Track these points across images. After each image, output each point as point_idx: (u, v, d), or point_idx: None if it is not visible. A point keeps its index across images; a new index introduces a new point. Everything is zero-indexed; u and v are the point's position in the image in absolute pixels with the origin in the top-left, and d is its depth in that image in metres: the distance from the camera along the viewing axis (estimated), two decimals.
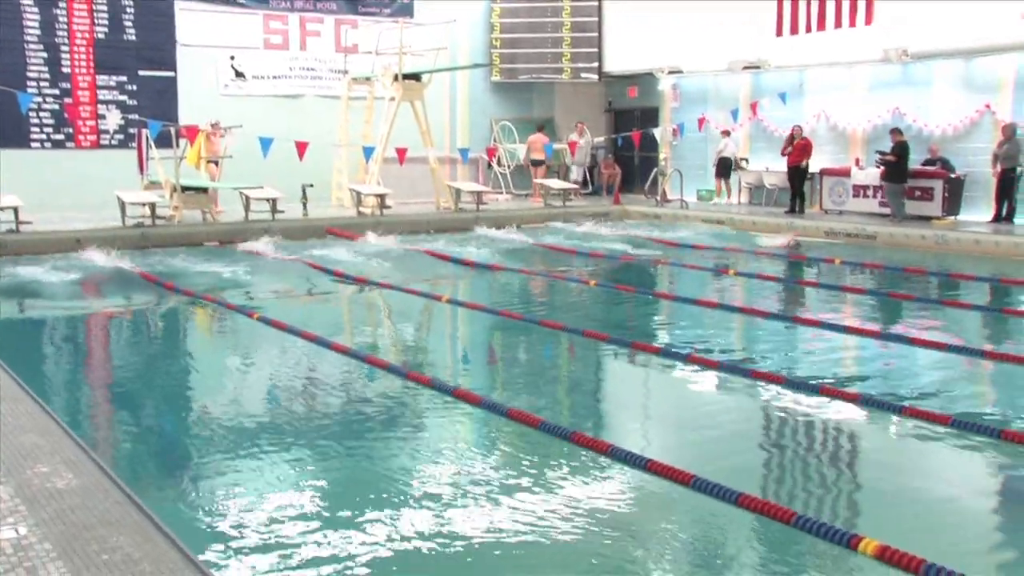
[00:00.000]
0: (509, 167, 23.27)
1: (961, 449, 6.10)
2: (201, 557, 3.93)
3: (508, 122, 23.68)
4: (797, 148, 19.35)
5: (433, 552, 4.48)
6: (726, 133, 21.30)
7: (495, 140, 23.41)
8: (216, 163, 18.25)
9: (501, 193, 22.79)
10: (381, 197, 18.61)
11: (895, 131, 17.92)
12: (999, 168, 17.00)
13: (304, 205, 18.10)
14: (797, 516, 4.75)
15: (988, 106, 17.80)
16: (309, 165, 17.55)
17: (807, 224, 18.13)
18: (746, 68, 21.29)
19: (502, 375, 8.28)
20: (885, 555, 4.27)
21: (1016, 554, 4.84)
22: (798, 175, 19.50)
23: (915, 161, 18.41)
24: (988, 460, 6.01)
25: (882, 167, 17.99)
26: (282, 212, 17.36)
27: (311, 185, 18.25)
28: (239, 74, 20.51)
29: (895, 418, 6.67)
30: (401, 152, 18.29)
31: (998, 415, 6.83)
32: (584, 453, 5.83)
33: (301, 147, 16.68)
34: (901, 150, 17.65)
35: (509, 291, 12.08)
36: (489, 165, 23.16)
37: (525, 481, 5.40)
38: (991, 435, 6.16)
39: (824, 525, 4.68)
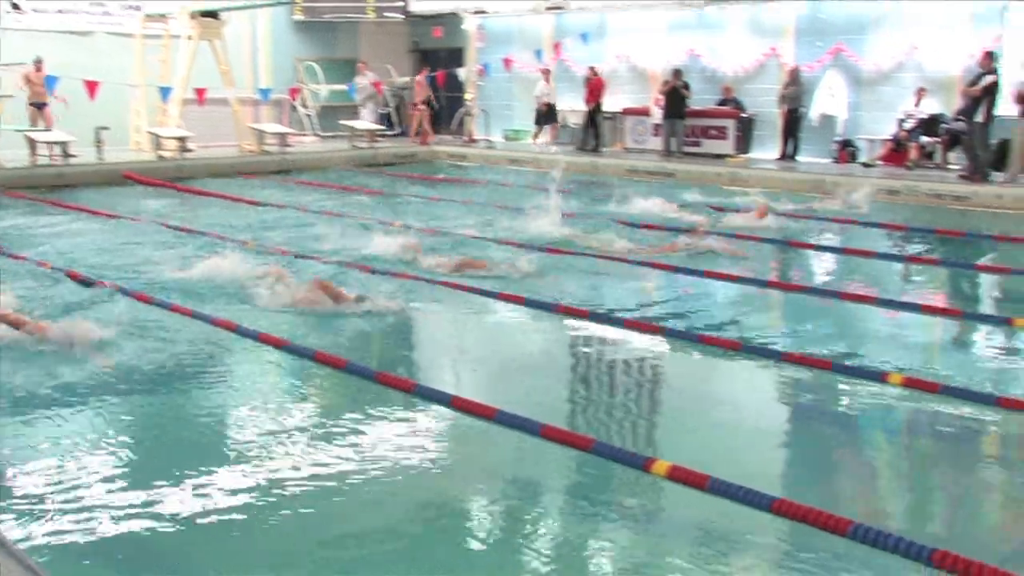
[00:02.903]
0: (315, 108, 22.82)
1: (749, 373, 6.56)
2: None
3: (312, 62, 23.15)
4: (588, 88, 19.88)
5: (247, 504, 4.44)
6: (546, 73, 21.09)
7: (299, 81, 22.86)
8: (41, 107, 17.05)
9: (307, 135, 22.35)
10: (182, 140, 17.94)
11: (677, 72, 18.65)
12: (785, 108, 18.01)
13: (99, 149, 17.20)
14: (595, 443, 5.00)
15: (774, 50, 18.77)
16: (104, 107, 16.70)
17: (609, 163, 18.69)
18: (549, 9, 21.56)
19: (309, 318, 8.18)
20: (674, 474, 4.57)
21: (792, 464, 5.28)
22: (590, 114, 20.07)
23: (709, 101, 19.27)
24: (771, 381, 6.48)
25: (664, 105, 18.70)
26: (75, 156, 16.48)
27: (106, 128, 17.35)
28: (15, 5, 19.07)
29: (691, 346, 7.07)
30: (200, 92, 17.63)
31: (780, 340, 7.35)
32: (391, 393, 5.91)
33: (91, 86, 15.84)
34: (685, 87, 18.48)
35: (309, 232, 11.84)
36: (293, 107, 22.63)
37: (333, 424, 5.43)
38: (774, 358, 6.65)
39: (620, 450, 4.96)
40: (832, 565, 3.95)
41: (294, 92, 21.68)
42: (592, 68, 20.05)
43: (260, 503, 4.44)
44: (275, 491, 4.55)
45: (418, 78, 22.16)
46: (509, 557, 4.00)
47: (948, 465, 5.27)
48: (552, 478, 4.90)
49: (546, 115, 21.35)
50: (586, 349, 7.29)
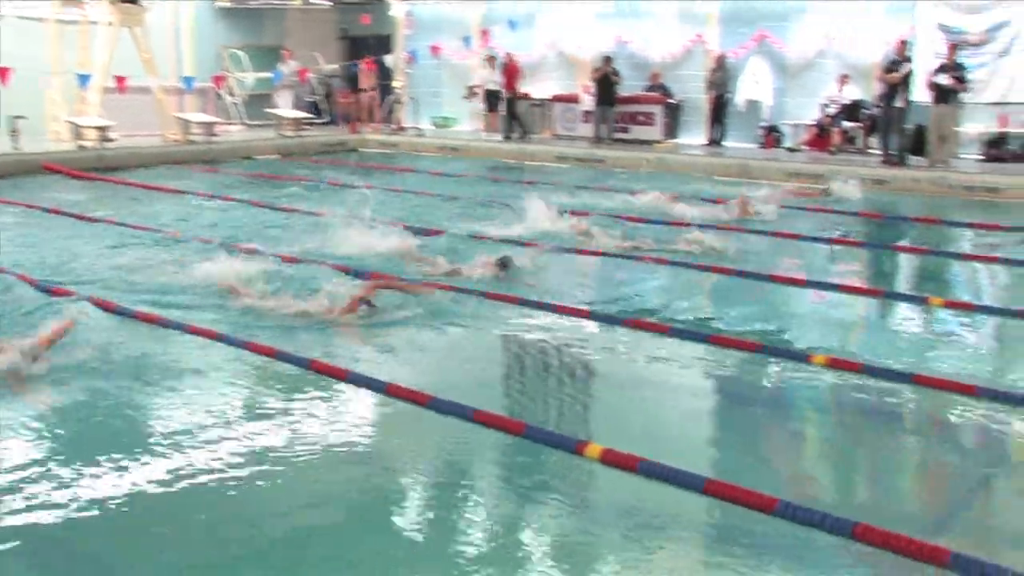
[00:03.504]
0: (242, 96, 22.49)
1: (678, 355, 6.66)
2: None
3: (238, 50, 22.79)
4: (505, 75, 19.90)
5: (175, 494, 4.39)
6: (491, 61, 20.66)
7: (224, 69, 22.48)
8: None
9: (234, 124, 22.02)
10: (102, 129, 17.54)
11: (607, 59, 18.81)
12: (712, 94, 18.28)
13: (15, 139, 16.73)
14: (528, 427, 5.05)
15: (700, 36, 19.02)
16: (19, 95, 16.23)
17: (538, 149, 18.75)
18: None
19: (240, 308, 8.08)
20: (607, 457, 4.63)
21: (722, 445, 5.39)
22: (508, 101, 20.08)
23: (637, 88, 19.45)
24: (700, 363, 6.58)
25: (596, 92, 18.81)
26: None
27: (23, 117, 16.88)
28: None
29: (621, 330, 7.16)
30: (121, 80, 17.27)
31: (709, 322, 7.49)
32: (325, 381, 5.89)
33: (2, 73, 15.42)
34: (615, 73, 18.66)
35: (238, 223, 11.68)
36: (219, 95, 22.25)
37: (268, 413, 5.39)
38: (701, 340, 6.78)
39: (553, 434, 5.01)
40: (762, 543, 4.04)
41: (219, 80, 21.32)
42: (508, 54, 20.05)
43: (182, 493, 4.40)
44: (209, 480, 4.52)
45: (362, 65, 21.99)
46: (442, 541, 4.02)
47: (870, 442, 5.42)
48: (485, 463, 4.94)
49: (490, 102, 21.19)
50: (519, 335, 7.32)
